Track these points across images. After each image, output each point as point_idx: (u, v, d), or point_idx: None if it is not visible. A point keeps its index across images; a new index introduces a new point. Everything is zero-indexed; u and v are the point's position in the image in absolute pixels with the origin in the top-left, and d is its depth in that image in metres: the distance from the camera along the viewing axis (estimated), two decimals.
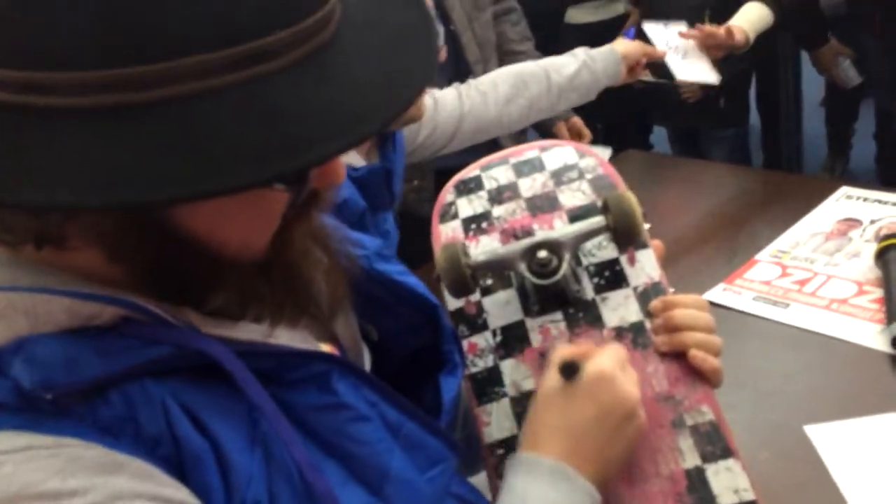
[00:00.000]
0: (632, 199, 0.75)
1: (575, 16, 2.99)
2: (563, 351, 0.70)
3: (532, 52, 2.10)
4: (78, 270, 0.50)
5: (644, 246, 0.81)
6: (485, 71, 1.99)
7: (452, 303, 0.82)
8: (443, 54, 1.92)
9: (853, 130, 3.31)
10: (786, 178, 1.99)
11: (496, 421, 0.76)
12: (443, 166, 2.07)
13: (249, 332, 0.55)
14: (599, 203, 0.82)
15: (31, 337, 0.47)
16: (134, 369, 0.48)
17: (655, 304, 0.77)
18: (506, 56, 2.07)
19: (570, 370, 0.66)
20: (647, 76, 2.61)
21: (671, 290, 0.79)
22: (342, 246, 0.64)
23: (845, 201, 1.50)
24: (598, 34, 2.91)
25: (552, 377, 0.68)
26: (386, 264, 0.70)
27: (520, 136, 2.11)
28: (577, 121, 2.10)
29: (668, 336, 0.75)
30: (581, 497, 0.62)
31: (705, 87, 2.51)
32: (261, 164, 0.42)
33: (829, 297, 1.21)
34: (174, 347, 0.50)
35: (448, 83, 1.77)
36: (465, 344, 0.80)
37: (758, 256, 1.40)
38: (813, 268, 1.31)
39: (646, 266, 0.80)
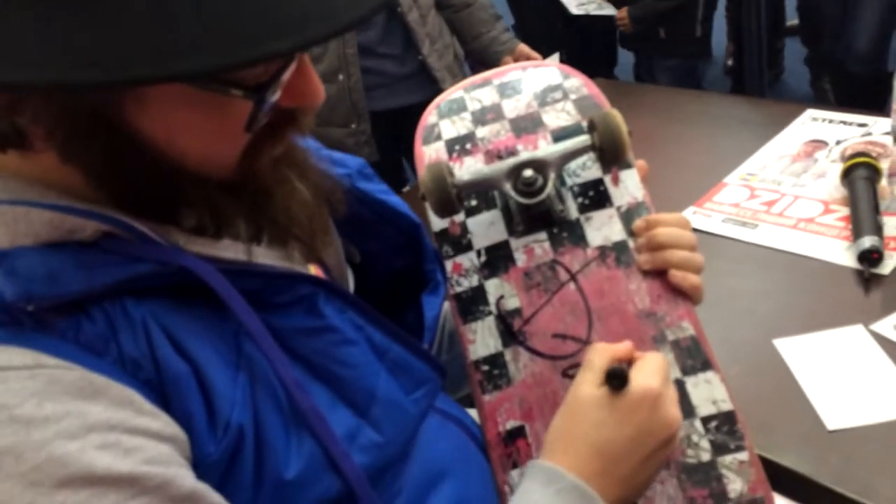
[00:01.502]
0: (618, 117, 0.73)
1: None
2: (604, 353, 0.63)
3: None
4: (57, 186, 0.48)
5: (628, 166, 0.79)
6: (414, 3, 1.94)
7: (437, 224, 0.80)
8: None
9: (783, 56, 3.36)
10: (752, 102, 1.99)
11: (481, 339, 0.75)
12: (379, 108, 2.04)
13: (235, 252, 0.53)
14: (584, 123, 0.81)
15: (11, 250, 0.45)
16: (116, 286, 0.46)
17: (639, 223, 0.76)
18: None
19: (618, 380, 0.59)
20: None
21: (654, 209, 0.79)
22: (324, 169, 0.61)
23: (811, 123, 1.50)
24: None
25: (590, 381, 0.61)
26: (368, 183, 0.68)
27: (460, 75, 2.08)
28: (523, 47, 2.06)
29: (651, 254, 0.74)
30: None
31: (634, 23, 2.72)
32: (192, 58, 0.39)
33: (796, 216, 1.22)
34: (157, 264, 0.48)
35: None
36: (449, 264, 0.79)
37: (726, 179, 1.40)
38: (780, 189, 1.31)
39: (629, 186, 0.79)
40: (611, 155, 0.74)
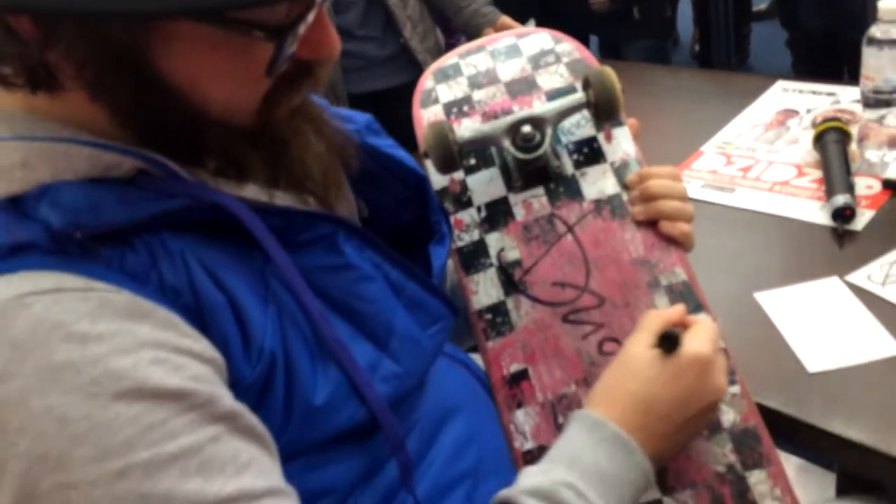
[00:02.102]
0: (612, 74, 0.76)
1: None
2: (658, 317, 0.66)
3: None
4: (87, 127, 0.49)
5: (620, 124, 0.83)
6: None
7: (437, 182, 0.83)
8: None
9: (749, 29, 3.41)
10: (723, 76, 2.03)
11: (483, 289, 0.78)
12: (358, 90, 2.05)
13: (255, 194, 0.55)
14: (577, 83, 0.83)
15: (54, 183, 0.47)
16: (154, 219, 0.48)
17: (632, 177, 0.80)
18: None
19: (670, 343, 0.62)
20: None
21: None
22: (337, 124, 0.63)
23: (782, 94, 1.54)
24: None
25: (643, 341, 0.64)
26: (376, 138, 0.70)
27: (440, 54, 2.10)
28: (505, 19, 2.07)
29: (645, 205, 0.78)
30: (635, 476, 0.60)
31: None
32: None
33: (771, 180, 1.27)
34: (191, 200, 0.50)
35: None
36: (451, 220, 0.81)
37: (702, 148, 1.44)
38: (755, 155, 1.36)
39: (622, 142, 0.82)
40: (605, 110, 0.77)
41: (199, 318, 0.49)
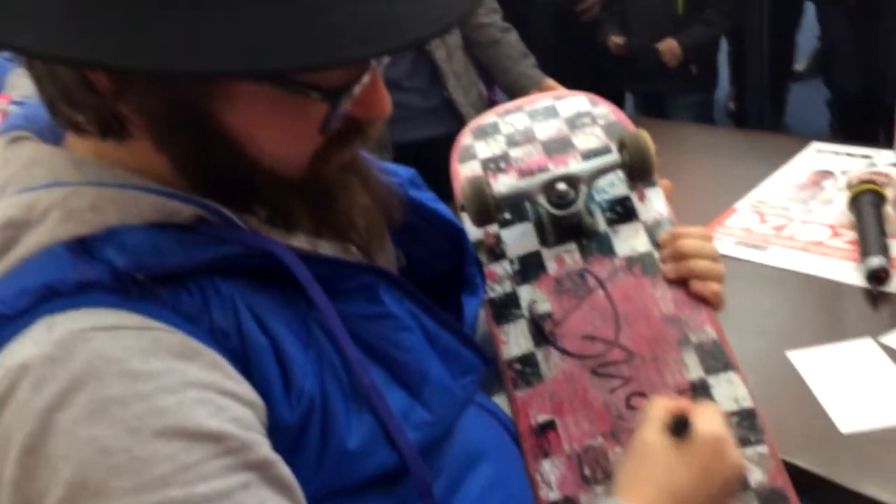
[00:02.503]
0: (647, 137, 0.79)
1: None
2: (664, 405, 0.67)
3: (498, 23, 2.12)
4: (150, 175, 0.53)
5: (653, 185, 0.84)
6: (443, 42, 2.01)
7: (473, 234, 0.85)
8: None
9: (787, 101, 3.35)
10: (757, 135, 2.05)
11: (514, 339, 0.79)
12: (402, 139, 2.11)
13: (302, 243, 0.58)
14: (613, 145, 0.86)
15: (120, 227, 0.50)
16: (209, 263, 0.51)
17: (664, 236, 0.81)
18: (472, 29, 2.08)
19: (681, 427, 0.64)
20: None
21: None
22: (384, 179, 0.66)
23: (816, 155, 1.55)
24: (566, 11, 2.93)
25: (655, 430, 0.65)
26: (418, 192, 0.73)
27: (483, 108, 2.14)
28: (550, 81, 2.11)
29: (676, 264, 0.79)
30: None
31: (686, 52, 2.55)
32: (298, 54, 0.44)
33: (805, 239, 1.27)
34: (244, 247, 0.52)
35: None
36: (484, 272, 0.83)
37: (736, 205, 1.45)
38: (789, 214, 1.36)
39: (655, 202, 0.84)
40: (639, 172, 0.79)
41: (244, 360, 0.51)
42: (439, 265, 0.76)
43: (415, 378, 0.59)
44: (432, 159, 0.77)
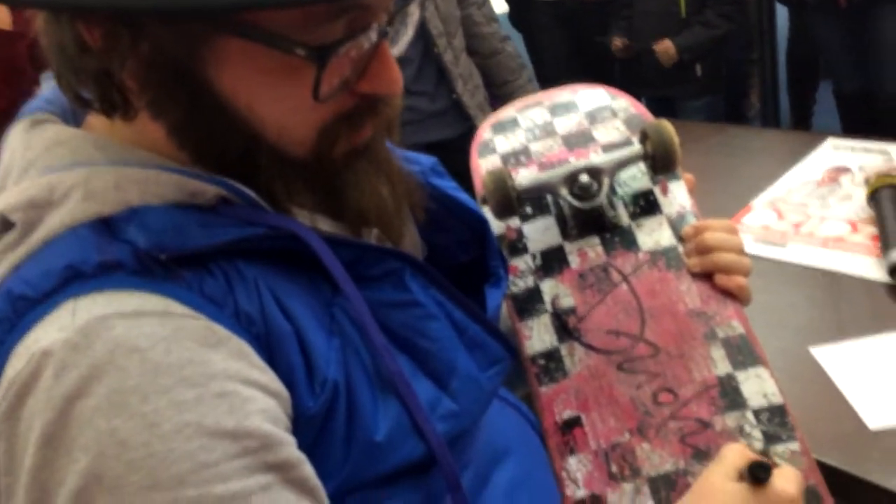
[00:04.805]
0: (670, 127, 0.76)
1: None
2: (742, 451, 0.63)
3: (498, 33, 2.11)
4: (165, 156, 0.51)
5: (676, 178, 0.81)
6: (449, 45, 2.00)
7: (494, 229, 0.82)
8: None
9: (814, 99, 3.29)
10: (772, 133, 2.01)
11: (537, 335, 0.77)
12: (410, 143, 2.08)
13: (325, 226, 0.55)
14: (634, 138, 0.83)
15: (142, 207, 0.48)
16: (233, 244, 0.49)
17: (688, 229, 0.78)
18: (473, 38, 2.07)
19: (763, 473, 0.59)
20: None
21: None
22: (407, 170, 0.63)
23: (832, 151, 1.51)
24: (573, 13, 2.89)
25: (724, 474, 0.61)
26: (440, 180, 0.70)
27: (490, 111, 2.13)
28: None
29: (701, 258, 0.76)
30: None
31: (680, 53, 2.52)
32: None
33: (824, 235, 1.23)
34: (268, 228, 0.50)
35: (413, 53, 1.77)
36: (507, 264, 0.80)
37: (753, 203, 1.41)
38: (807, 211, 1.32)
39: (678, 196, 0.81)
40: (663, 163, 0.76)
41: (268, 347, 0.48)
42: (461, 256, 0.73)
43: (442, 368, 0.57)
44: (442, 162, 0.74)
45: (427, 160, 0.70)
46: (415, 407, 0.53)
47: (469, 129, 1.95)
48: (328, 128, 0.52)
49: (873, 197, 1.20)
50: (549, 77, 2.40)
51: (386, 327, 0.54)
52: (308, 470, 0.48)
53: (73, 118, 0.56)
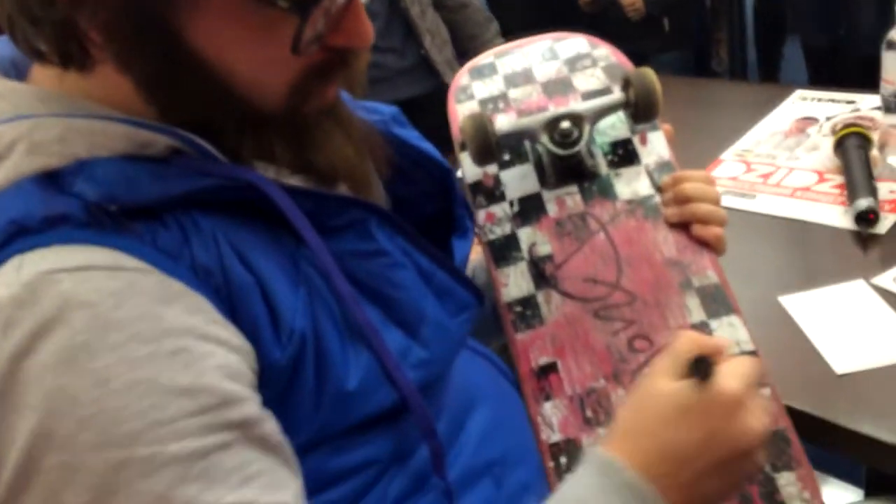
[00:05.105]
0: (653, 76, 0.75)
1: None
2: (692, 340, 0.56)
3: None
4: (121, 108, 0.48)
5: (655, 128, 0.81)
6: (421, 10, 1.94)
7: (470, 175, 0.81)
8: None
9: (782, 54, 3.30)
10: (741, 86, 2.01)
11: (514, 282, 0.76)
12: (379, 101, 2.03)
13: (287, 178, 0.54)
14: (615, 86, 0.82)
15: (91, 159, 0.46)
16: (188, 196, 0.47)
17: (666, 179, 0.78)
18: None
19: (704, 370, 0.53)
20: None
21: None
22: (368, 126, 0.61)
23: (800, 103, 1.52)
24: None
25: (669, 372, 0.55)
26: (402, 129, 0.68)
27: (458, 67, 2.09)
28: None
29: (678, 208, 0.76)
30: None
31: (648, 6, 2.50)
32: None
33: (792, 186, 1.24)
34: (224, 179, 0.48)
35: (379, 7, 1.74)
36: (482, 213, 0.79)
37: (722, 156, 1.42)
38: (775, 162, 1.33)
39: (657, 146, 0.80)
40: (645, 111, 0.75)
41: (229, 299, 0.47)
42: (427, 207, 0.72)
43: (411, 317, 0.56)
44: (412, 120, 0.72)
45: (388, 109, 0.68)
46: (385, 355, 0.52)
47: (437, 87, 1.92)
48: (300, 82, 0.50)
49: (839, 146, 1.20)
50: (515, 31, 2.36)
51: (353, 277, 0.53)
52: (271, 426, 0.47)
53: (13, 70, 0.53)
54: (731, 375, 0.54)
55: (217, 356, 0.44)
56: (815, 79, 2.70)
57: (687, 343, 0.56)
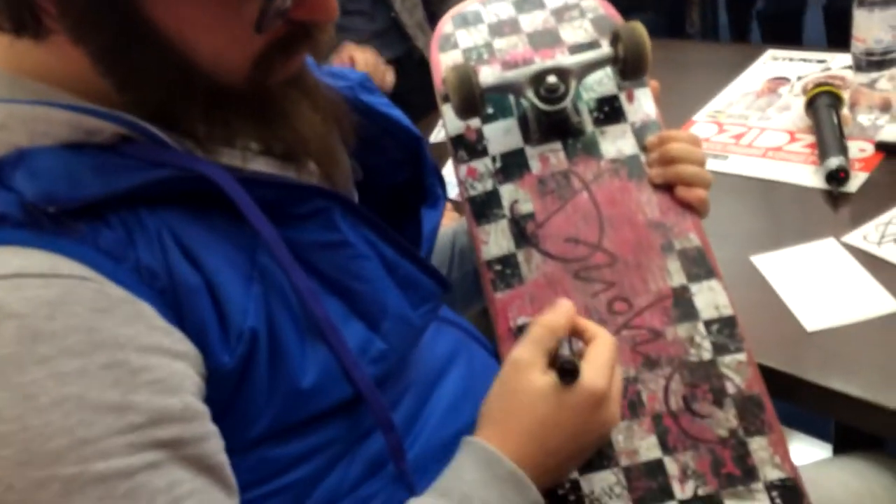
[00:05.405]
0: (643, 30, 0.73)
1: None
2: (549, 330, 0.59)
3: None
4: (73, 88, 0.46)
5: (643, 85, 0.79)
6: None
7: (452, 128, 0.79)
8: None
9: (752, 16, 3.30)
10: (712, 47, 2.00)
11: (494, 240, 0.75)
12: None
13: (253, 164, 0.52)
14: (602, 40, 0.79)
15: (32, 149, 0.43)
16: (134, 190, 0.44)
17: (652, 139, 0.77)
18: None
19: (569, 375, 0.56)
20: None
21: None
22: (334, 94, 0.59)
23: (772, 63, 1.51)
24: None
25: (536, 364, 0.58)
26: (370, 96, 0.66)
27: (431, 32, 2.03)
28: None
29: (663, 168, 0.75)
30: None
31: None
32: None
33: (764, 146, 1.25)
34: (175, 170, 0.46)
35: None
36: (464, 168, 0.78)
37: (695, 118, 1.41)
38: (747, 123, 1.33)
39: (643, 103, 0.79)
40: (634, 67, 0.73)
41: (175, 301, 0.45)
42: (397, 175, 0.70)
43: (373, 310, 0.55)
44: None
45: (356, 75, 0.66)
46: (343, 352, 0.51)
47: (408, 51, 1.86)
48: (263, 56, 0.48)
49: (810, 105, 1.21)
50: None
51: (315, 269, 0.52)
52: (209, 446, 0.45)
53: None
54: (594, 371, 0.58)
55: (153, 370, 0.42)
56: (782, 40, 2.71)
57: (544, 332, 0.59)
